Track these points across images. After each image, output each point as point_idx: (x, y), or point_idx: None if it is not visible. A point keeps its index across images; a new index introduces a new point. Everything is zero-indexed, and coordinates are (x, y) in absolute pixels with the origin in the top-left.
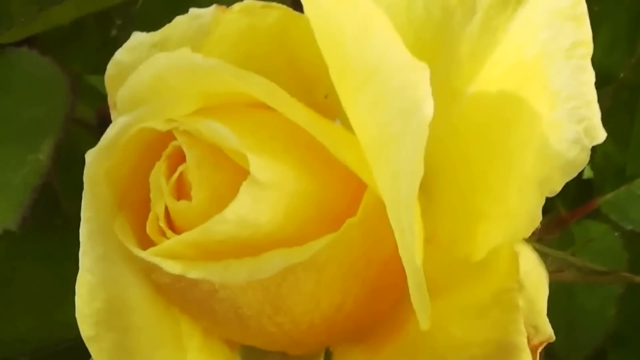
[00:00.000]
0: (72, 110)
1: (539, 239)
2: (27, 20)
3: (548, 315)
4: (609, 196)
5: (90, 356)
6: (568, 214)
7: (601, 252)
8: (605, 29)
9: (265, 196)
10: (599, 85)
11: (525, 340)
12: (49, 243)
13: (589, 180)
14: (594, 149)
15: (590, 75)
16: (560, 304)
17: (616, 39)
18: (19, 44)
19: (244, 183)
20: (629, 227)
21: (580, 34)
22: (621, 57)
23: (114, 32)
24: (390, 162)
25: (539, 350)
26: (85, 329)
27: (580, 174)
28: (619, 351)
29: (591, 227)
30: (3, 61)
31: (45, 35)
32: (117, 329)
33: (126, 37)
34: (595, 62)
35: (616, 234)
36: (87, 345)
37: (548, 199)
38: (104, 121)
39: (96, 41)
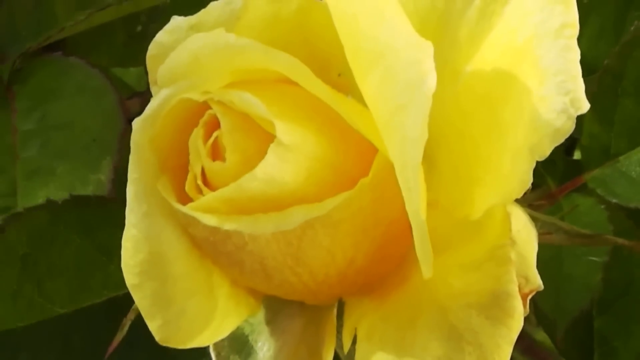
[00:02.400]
0: (125, 132)
1: (530, 206)
2: (74, 24)
3: None
4: (595, 172)
5: (128, 307)
6: (557, 189)
7: (588, 223)
8: (593, 20)
9: (290, 157)
10: (586, 73)
11: (517, 289)
12: (85, 215)
13: (576, 161)
14: (581, 130)
15: (575, 53)
16: (550, 271)
17: (603, 30)
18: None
19: (271, 145)
20: (614, 201)
21: (568, 17)
22: (608, 47)
23: (139, 28)
24: (399, 128)
25: (529, 297)
26: (130, 278)
27: (570, 153)
28: (604, 317)
29: (578, 201)
30: (54, 69)
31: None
32: (157, 278)
33: (150, 32)
34: (583, 52)
35: (602, 206)
36: (131, 292)
37: (539, 176)
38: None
39: (122, 36)
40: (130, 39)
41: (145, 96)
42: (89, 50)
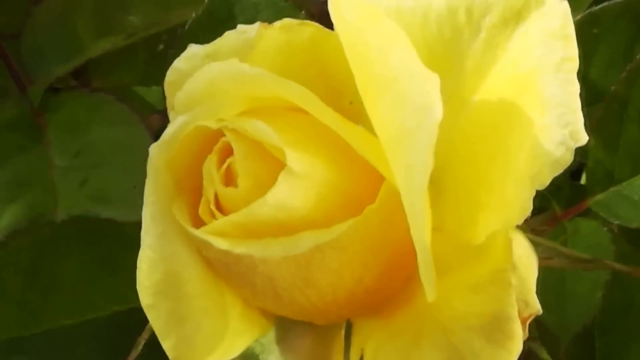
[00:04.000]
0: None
1: (532, 230)
2: (96, 47)
3: (544, 298)
4: (599, 196)
5: (132, 322)
6: (562, 213)
7: (591, 245)
8: (602, 49)
9: (299, 184)
10: (595, 100)
11: (517, 313)
12: (84, 231)
13: (582, 185)
14: (586, 155)
15: (575, 87)
16: (554, 288)
17: (613, 59)
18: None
19: (282, 173)
20: (616, 222)
21: (568, 51)
22: (617, 76)
23: (160, 47)
24: (405, 155)
25: (528, 321)
26: (145, 298)
27: (577, 178)
28: (605, 338)
29: (582, 224)
30: (83, 103)
31: None
32: (172, 298)
33: (172, 52)
34: (593, 80)
35: (605, 229)
36: (145, 311)
37: (545, 200)
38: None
39: (144, 55)
40: (152, 58)
41: (166, 114)
42: (111, 69)
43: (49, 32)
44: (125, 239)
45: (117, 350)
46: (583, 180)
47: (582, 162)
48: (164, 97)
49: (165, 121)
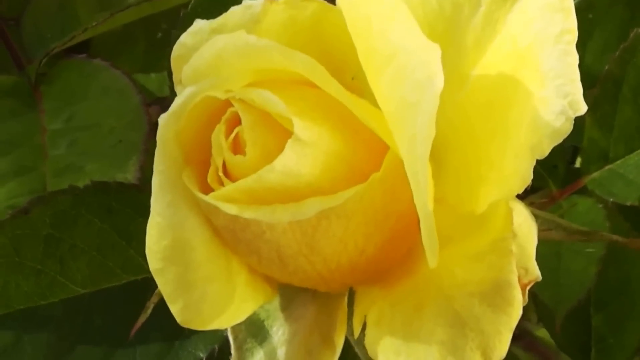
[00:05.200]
0: (149, 132)
1: (531, 204)
2: (97, 24)
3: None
4: (595, 175)
5: (146, 291)
6: (558, 192)
7: (586, 222)
8: (597, 34)
9: (306, 152)
10: (590, 85)
11: (517, 279)
12: (105, 200)
13: (576, 168)
14: (581, 135)
15: (574, 58)
16: (549, 264)
17: (607, 44)
18: (74, 46)
19: (289, 141)
20: (611, 200)
21: (567, 24)
22: None
23: (159, 35)
24: (408, 126)
25: (528, 287)
26: (154, 263)
27: (572, 160)
28: (601, 314)
29: (578, 201)
30: (79, 71)
31: (97, 37)
32: (179, 264)
33: (173, 39)
34: (588, 64)
35: (600, 206)
36: (154, 276)
37: (541, 179)
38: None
39: (143, 43)
40: (150, 46)
41: (165, 102)
42: (110, 57)
43: (49, 15)
44: (143, 208)
45: (130, 320)
46: (577, 164)
47: (577, 146)
48: (163, 85)
49: (165, 109)
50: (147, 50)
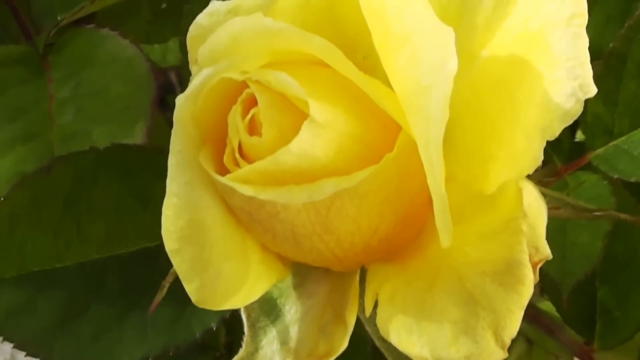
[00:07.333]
0: (156, 96)
1: (539, 182)
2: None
3: None
4: (599, 151)
5: (158, 260)
6: (563, 167)
7: (592, 197)
8: (598, 9)
9: (322, 134)
10: (592, 59)
11: (528, 258)
12: (124, 162)
13: (580, 142)
14: (585, 110)
15: (584, 41)
16: (556, 239)
17: (609, 19)
18: (80, 18)
19: (305, 122)
20: (616, 176)
21: (577, 7)
22: (613, 35)
23: (163, 5)
24: (422, 108)
25: (538, 266)
26: (170, 243)
27: (574, 135)
28: (606, 287)
29: (583, 177)
30: (87, 40)
31: (102, 8)
32: (195, 243)
33: (187, 7)
34: (590, 39)
35: (605, 182)
36: (170, 256)
37: (546, 154)
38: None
39: (147, 14)
40: (155, 17)
41: (168, 73)
42: (115, 28)
43: None
44: (161, 171)
45: (143, 284)
46: (579, 137)
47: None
48: (166, 55)
49: (166, 77)
50: (151, 21)
